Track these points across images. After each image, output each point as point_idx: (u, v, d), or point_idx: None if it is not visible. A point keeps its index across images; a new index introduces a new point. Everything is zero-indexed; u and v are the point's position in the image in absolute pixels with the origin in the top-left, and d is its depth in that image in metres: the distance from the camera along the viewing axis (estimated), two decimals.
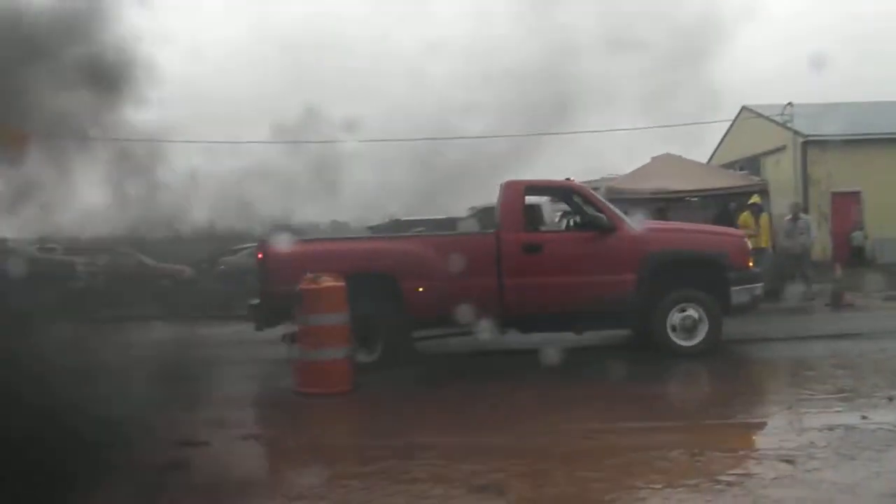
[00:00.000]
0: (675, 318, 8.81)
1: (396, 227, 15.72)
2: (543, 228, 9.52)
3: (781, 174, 22.25)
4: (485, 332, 8.23)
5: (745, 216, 15.71)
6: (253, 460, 5.54)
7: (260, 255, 9.14)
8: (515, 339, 9.39)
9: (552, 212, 18.89)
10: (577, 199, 9.49)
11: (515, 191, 9.25)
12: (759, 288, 9.30)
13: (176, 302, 17.73)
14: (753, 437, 5.52)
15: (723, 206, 16.71)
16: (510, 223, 9.06)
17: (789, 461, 4.85)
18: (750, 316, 10.05)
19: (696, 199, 17.37)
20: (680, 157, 18.72)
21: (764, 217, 15.88)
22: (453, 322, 8.13)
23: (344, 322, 7.62)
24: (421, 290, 8.55)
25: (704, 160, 24.64)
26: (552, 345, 9.22)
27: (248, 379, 8.43)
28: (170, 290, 20.41)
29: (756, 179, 19.43)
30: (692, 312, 8.81)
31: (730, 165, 23.69)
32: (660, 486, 4.53)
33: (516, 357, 9.14)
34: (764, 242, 15.79)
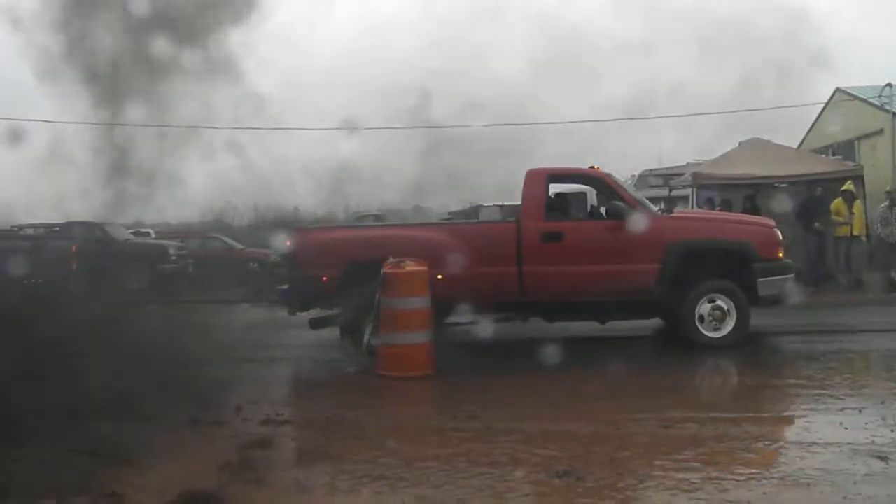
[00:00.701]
0: (703, 308, 8.67)
1: (475, 213, 15.82)
2: (568, 217, 9.35)
3: (878, 159, 21.30)
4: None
5: (838, 203, 15.17)
6: (334, 440, 5.66)
7: (288, 243, 9.44)
8: (582, 327, 9.53)
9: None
10: (600, 187, 9.41)
11: (537, 179, 9.18)
12: (789, 279, 9.04)
13: (261, 285, 18.23)
14: (843, 431, 5.33)
15: (809, 192, 16.16)
16: (531, 211, 9.02)
17: (882, 458, 4.69)
18: (842, 307, 9.71)
19: (784, 185, 16.85)
20: (769, 141, 18.14)
21: (857, 204, 15.29)
22: (473, 309, 8.13)
23: (426, 306, 7.74)
24: (440, 277, 8.39)
25: (795, 145, 23.76)
26: (614, 334, 9.42)
27: (332, 361, 8.62)
28: (256, 273, 20.98)
29: (850, 164, 18.69)
30: (721, 303, 8.68)
31: (822, 150, 22.81)
32: (743, 479, 4.45)
33: (583, 344, 9.21)
34: (857, 231, 15.22)
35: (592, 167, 9.53)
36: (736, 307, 8.66)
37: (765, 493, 4.19)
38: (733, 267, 8.85)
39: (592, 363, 8.19)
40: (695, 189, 17.61)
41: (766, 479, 4.43)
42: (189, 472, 4.91)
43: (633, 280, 8.63)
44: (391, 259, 7.85)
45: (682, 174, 20.69)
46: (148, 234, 23.82)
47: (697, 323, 8.67)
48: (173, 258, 20.31)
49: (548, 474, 4.61)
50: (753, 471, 4.59)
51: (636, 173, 26.09)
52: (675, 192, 20.49)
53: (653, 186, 24.15)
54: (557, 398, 6.86)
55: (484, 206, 15.58)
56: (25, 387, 7.75)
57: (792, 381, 7.50)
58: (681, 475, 4.53)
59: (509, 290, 8.73)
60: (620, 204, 8.94)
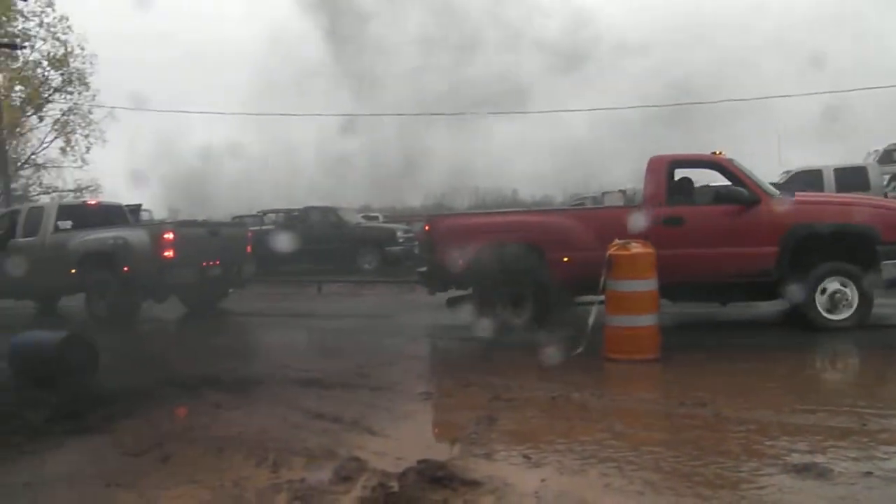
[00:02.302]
0: (824, 291, 8.72)
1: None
2: (690, 202, 9.60)
3: None
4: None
5: None
6: (560, 420, 5.75)
7: (427, 227, 10.42)
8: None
9: (880, 175, 17.37)
10: (723, 172, 9.47)
11: (659, 165, 9.56)
12: None
13: None
14: None
15: None
16: (653, 197, 9.44)
17: None
18: None
19: None
20: None
21: None
22: (595, 290, 8.20)
23: (652, 288, 7.76)
24: (566, 259, 9.26)
25: None
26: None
27: (558, 342, 8.70)
28: None
29: None
30: (842, 286, 8.70)
31: None
32: None
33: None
34: None
35: (714, 153, 9.71)
36: (859, 290, 8.68)
37: None
38: (857, 250, 8.85)
39: (829, 348, 7.95)
40: None
41: None
42: (423, 442, 5.25)
43: (753, 262, 8.92)
44: (617, 241, 7.96)
45: None
46: (376, 217, 25.25)
47: (819, 306, 8.73)
48: (400, 241, 21.39)
49: (784, 468, 4.38)
50: None
51: (879, 148, 23.92)
52: None
53: None
54: (795, 386, 6.53)
55: (607, 192, 15.92)
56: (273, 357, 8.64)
57: None
58: None
59: None
60: (741, 189, 9.18)
